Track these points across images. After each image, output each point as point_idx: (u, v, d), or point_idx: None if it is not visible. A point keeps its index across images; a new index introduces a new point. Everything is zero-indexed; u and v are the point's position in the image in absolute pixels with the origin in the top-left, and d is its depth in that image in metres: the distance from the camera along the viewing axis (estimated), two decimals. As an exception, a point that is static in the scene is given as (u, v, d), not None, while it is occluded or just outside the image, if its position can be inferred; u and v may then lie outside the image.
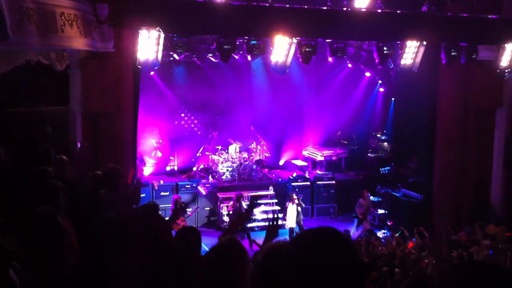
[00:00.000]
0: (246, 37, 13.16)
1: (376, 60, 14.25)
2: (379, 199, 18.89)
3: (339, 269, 2.10)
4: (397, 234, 14.89)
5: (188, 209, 16.17)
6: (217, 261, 3.84)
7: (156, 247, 3.70)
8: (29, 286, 3.35)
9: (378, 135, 21.20)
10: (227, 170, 19.13)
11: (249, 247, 13.29)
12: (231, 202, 16.67)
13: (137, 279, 3.46)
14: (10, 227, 3.67)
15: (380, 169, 19.98)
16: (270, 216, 16.84)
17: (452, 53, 14.03)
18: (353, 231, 17.03)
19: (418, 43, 14.05)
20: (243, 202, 16.40)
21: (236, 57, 16.15)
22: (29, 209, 3.87)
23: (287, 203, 16.72)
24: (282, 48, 13.16)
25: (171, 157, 19.73)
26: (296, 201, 16.50)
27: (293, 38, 12.99)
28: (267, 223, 16.34)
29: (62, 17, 9.46)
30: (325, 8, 13.13)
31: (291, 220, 16.65)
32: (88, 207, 6.09)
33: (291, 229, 16.69)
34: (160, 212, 7.02)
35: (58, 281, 3.54)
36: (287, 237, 16.00)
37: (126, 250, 3.73)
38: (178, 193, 17.51)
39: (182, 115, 20.41)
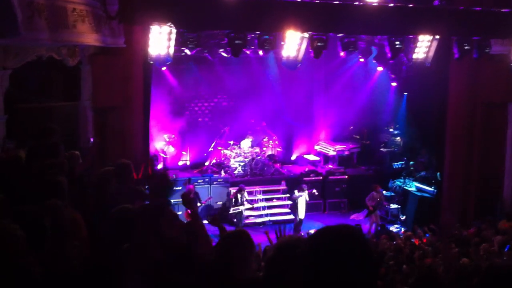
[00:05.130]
0: (258, 32, 13.15)
1: (388, 55, 14.16)
2: (392, 194, 18.84)
3: (351, 268, 2.10)
4: (403, 230, 14.88)
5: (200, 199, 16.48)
6: (221, 255, 3.86)
7: (160, 242, 3.72)
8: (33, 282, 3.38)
9: (391, 130, 21.08)
10: (239, 165, 19.16)
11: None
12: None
13: (141, 274, 3.48)
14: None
15: (393, 164, 19.90)
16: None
17: (465, 47, 13.89)
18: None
19: (431, 37, 13.94)
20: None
21: (248, 52, 16.13)
22: (22, 205, 3.88)
23: (296, 193, 16.96)
24: (293, 42, 13.14)
25: (183, 152, 19.77)
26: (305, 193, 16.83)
27: (305, 33, 12.96)
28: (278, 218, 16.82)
29: (74, 13, 9.52)
30: (336, 2, 13.07)
31: (301, 212, 16.88)
32: (97, 202, 6.13)
33: (300, 220, 16.84)
34: (171, 208, 7.01)
35: (63, 276, 3.57)
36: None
37: (131, 246, 3.76)
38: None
39: (195, 109, 20.44)
